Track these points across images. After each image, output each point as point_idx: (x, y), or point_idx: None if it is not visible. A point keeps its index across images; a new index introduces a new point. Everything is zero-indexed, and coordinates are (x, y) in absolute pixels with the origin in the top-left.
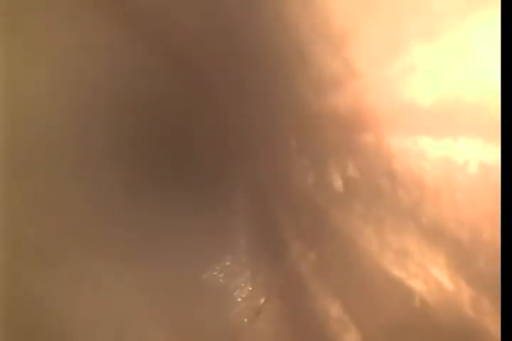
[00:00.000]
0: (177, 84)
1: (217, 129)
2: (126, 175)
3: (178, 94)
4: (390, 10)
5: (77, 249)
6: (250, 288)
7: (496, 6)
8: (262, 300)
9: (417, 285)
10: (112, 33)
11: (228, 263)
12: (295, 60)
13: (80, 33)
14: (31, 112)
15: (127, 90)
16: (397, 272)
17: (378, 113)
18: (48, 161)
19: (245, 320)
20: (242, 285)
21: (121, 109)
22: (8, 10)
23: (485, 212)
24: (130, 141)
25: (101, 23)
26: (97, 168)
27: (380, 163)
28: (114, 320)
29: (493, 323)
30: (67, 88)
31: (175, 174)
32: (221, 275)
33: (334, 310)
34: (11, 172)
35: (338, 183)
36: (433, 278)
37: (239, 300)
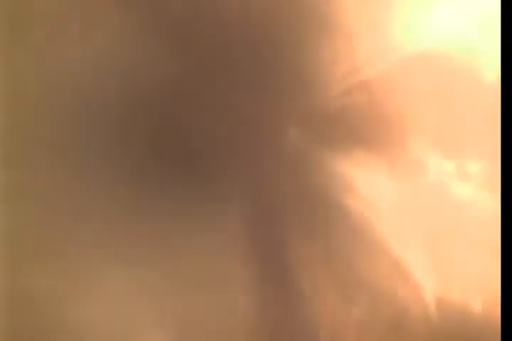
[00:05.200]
0: (174, 84)
1: (217, 129)
2: (126, 174)
3: (174, 94)
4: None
5: (79, 248)
6: None
7: (496, 3)
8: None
9: None
10: (111, 29)
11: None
12: (296, 59)
13: (79, 30)
14: (31, 111)
15: (126, 91)
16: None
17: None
18: (49, 159)
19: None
20: None
21: (121, 110)
22: (8, 9)
23: (485, 212)
24: (129, 141)
25: (101, 18)
26: (97, 168)
27: None
28: (115, 319)
29: (493, 323)
30: (67, 86)
31: (174, 174)
32: None
33: (334, 309)
34: (11, 171)
35: None
36: None
37: None
